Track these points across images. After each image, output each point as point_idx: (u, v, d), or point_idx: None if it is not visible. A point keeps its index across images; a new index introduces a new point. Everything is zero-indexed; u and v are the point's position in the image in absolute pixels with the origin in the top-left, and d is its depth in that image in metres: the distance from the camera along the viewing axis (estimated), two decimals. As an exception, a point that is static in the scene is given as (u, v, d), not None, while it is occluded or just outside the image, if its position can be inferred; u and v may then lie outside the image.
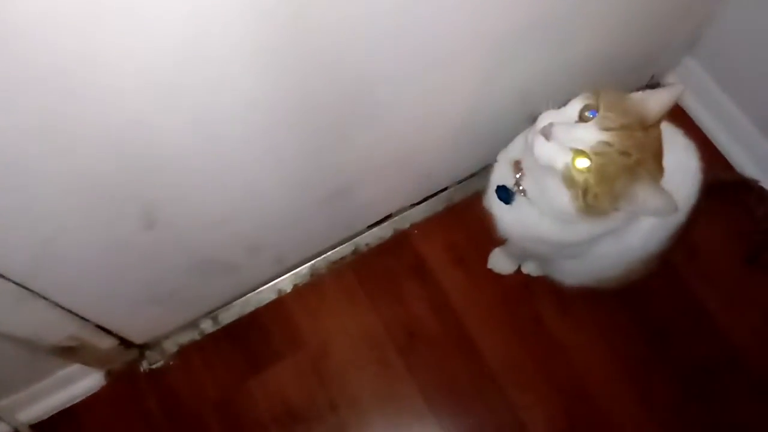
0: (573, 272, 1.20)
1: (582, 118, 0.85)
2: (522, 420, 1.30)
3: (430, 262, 1.42)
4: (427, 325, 1.37)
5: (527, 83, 1.14)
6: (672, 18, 1.29)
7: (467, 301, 1.39)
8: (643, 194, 0.84)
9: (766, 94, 1.35)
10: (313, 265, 1.38)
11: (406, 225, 1.43)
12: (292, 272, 1.37)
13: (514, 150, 1.05)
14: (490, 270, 1.40)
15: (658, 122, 0.86)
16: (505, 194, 1.01)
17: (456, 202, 1.45)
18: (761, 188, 1.41)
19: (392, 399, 1.32)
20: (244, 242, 1.15)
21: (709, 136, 1.50)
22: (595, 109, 0.85)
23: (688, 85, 1.51)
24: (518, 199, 1.00)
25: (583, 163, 0.83)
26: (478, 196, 1.41)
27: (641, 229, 1.00)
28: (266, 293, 1.36)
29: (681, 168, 0.97)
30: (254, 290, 1.35)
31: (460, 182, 1.45)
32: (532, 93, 1.13)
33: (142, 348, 1.29)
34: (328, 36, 0.75)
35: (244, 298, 1.35)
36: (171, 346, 1.31)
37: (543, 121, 0.87)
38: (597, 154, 0.82)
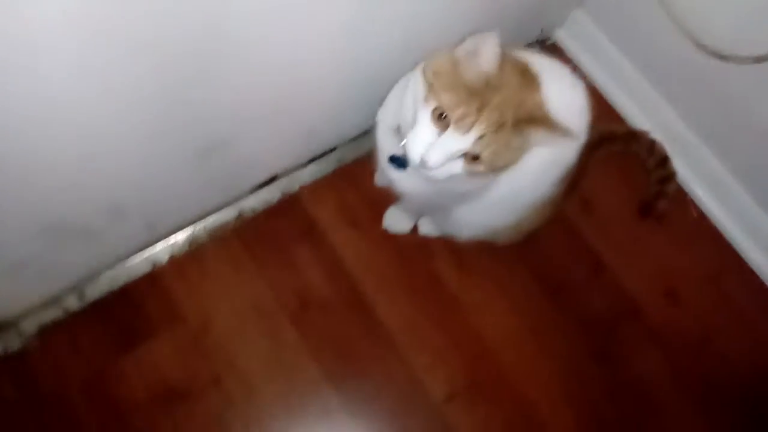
0: (470, 223, 1.15)
1: (439, 124, 0.83)
2: (421, 380, 1.24)
3: (321, 225, 1.34)
4: (321, 291, 1.29)
5: (410, 28, 1.08)
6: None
7: (362, 263, 1.32)
8: (537, 139, 0.85)
9: (651, 44, 1.35)
10: (192, 233, 1.27)
11: (295, 187, 1.34)
12: (168, 241, 1.26)
13: (390, 111, 1.01)
14: (385, 231, 1.34)
15: (500, 66, 0.82)
16: (400, 162, 0.97)
17: (347, 162, 1.38)
18: (651, 139, 1.41)
19: (284, 369, 1.23)
20: (103, 202, 1.02)
21: (600, 90, 1.50)
22: (442, 108, 0.82)
23: (578, 38, 1.50)
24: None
25: (475, 159, 0.84)
26: (370, 156, 1.35)
27: (532, 170, 0.96)
28: (139, 266, 1.24)
29: (569, 105, 0.94)
30: (124, 261, 1.23)
31: (350, 141, 1.37)
32: (415, 40, 1.07)
33: (-5, 329, 1.15)
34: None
35: (113, 271, 1.22)
36: (30, 326, 1.17)
37: (412, 155, 0.85)
38: (481, 147, 0.82)
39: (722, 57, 1.14)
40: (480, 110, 0.80)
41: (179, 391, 1.18)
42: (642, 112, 1.46)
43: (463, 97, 0.81)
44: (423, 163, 0.83)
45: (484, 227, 1.16)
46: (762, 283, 1.37)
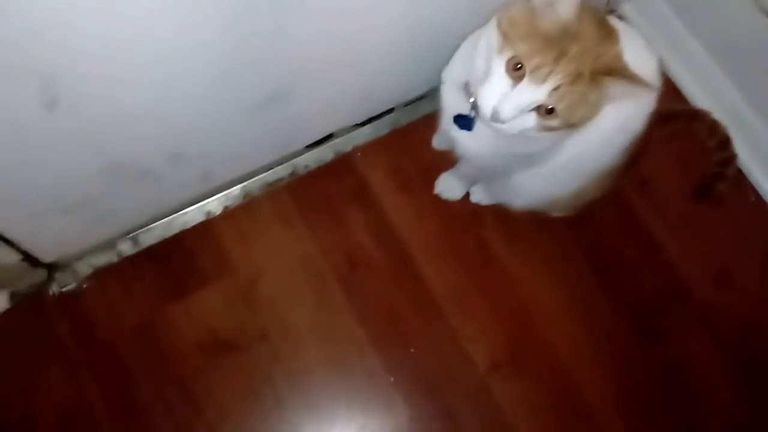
0: (529, 191, 1.13)
1: (513, 75, 0.80)
2: (465, 350, 1.24)
3: (373, 187, 1.33)
4: (370, 253, 1.29)
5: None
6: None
7: (412, 228, 1.31)
8: (615, 91, 0.81)
9: (720, 19, 1.31)
10: (245, 186, 1.27)
11: (349, 147, 1.33)
12: (223, 193, 1.26)
13: (457, 69, 0.99)
14: (436, 197, 1.33)
15: (579, 15, 0.79)
16: (466, 122, 0.94)
17: (402, 126, 1.36)
18: (713, 120, 1.37)
19: (330, 329, 1.23)
20: (165, 147, 1.03)
21: (664, 67, 1.45)
22: (518, 58, 0.79)
23: (645, 13, 1.46)
24: (479, 124, 0.93)
25: (549, 113, 0.80)
26: (426, 120, 1.35)
27: (599, 135, 0.94)
28: (193, 214, 1.25)
29: (643, 68, 0.91)
30: (179, 211, 1.23)
31: (406, 105, 1.36)
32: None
33: (51, 268, 1.16)
34: None
35: (167, 219, 1.23)
36: (85, 267, 1.19)
37: (484, 106, 0.82)
38: (554, 101, 0.79)
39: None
40: (557, 60, 0.77)
41: (226, 343, 1.19)
42: (706, 92, 1.42)
43: (539, 46, 0.78)
44: (495, 115, 0.81)
45: (543, 196, 1.14)
46: (820, 272, 1.34)
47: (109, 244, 1.20)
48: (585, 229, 1.32)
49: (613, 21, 0.88)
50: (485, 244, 1.32)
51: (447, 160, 1.27)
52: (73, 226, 1.09)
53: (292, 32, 0.92)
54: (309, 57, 1.01)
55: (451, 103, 0.98)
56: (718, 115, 1.37)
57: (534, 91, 0.79)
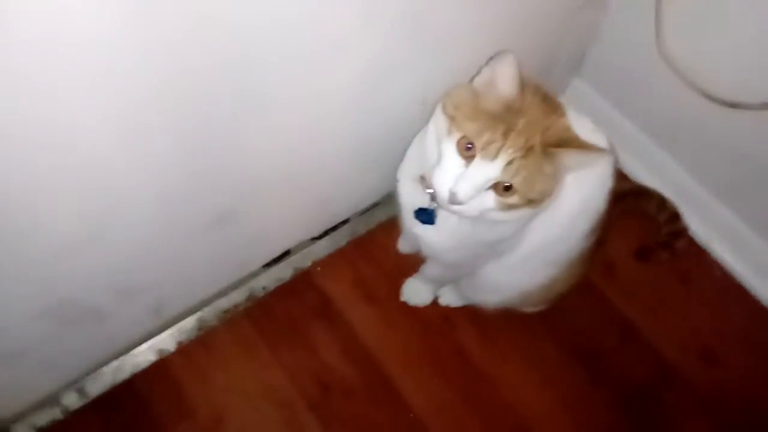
0: (500, 284, 1.09)
1: (465, 156, 0.79)
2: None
3: (337, 302, 1.26)
4: (341, 374, 1.20)
5: (427, 86, 1.06)
6: (553, 39, 1.30)
7: (383, 340, 1.24)
8: (569, 161, 0.81)
9: (654, 102, 1.37)
10: (200, 316, 1.19)
11: (308, 263, 1.28)
12: (176, 327, 1.17)
13: (411, 165, 0.98)
14: (404, 305, 1.27)
15: (521, 90, 0.80)
16: (427, 215, 0.93)
17: (360, 235, 1.33)
18: (661, 196, 1.39)
19: (307, 465, 1.11)
20: (110, 281, 0.95)
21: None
22: (468, 138, 0.79)
23: (579, 105, 1.50)
24: (442, 215, 0.91)
25: (507, 190, 0.79)
26: (384, 227, 1.32)
27: (563, 218, 0.93)
28: (144, 355, 1.14)
29: (593, 138, 0.92)
30: (129, 351, 1.13)
31: (362, 213, 1.33)
32: (432, 95, 1.05)
33: (-16, 435, 1.02)
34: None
35: (116, 362, 1.12)
36: (25, 430, 1.05)
37: (440, 189, 0.80)
38: (509, 177, 0.78)
39: (732, 105, 1.15)
40: (505, 135, 0.77)
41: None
42: (650, 173, 1.45)
43: (487, 124, 0.78)
44: (453, 197, 0.78)
45: (514, 289, 1.09)
46: (797, 337, 1.32)
47: (52, 399, 1.07)
48: (560, 322, 1.28)
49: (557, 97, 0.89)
50: (461, 349, 1.25)
51: (411, 265, 1.22)
52: (8, 381, 0.97)
53: (245, 144, 0.89)
54: (260, 169, 0.97)
55: (410, 198, 0.96)
56: (668, 193, 1.40)
57: (488, 168, 0.78)
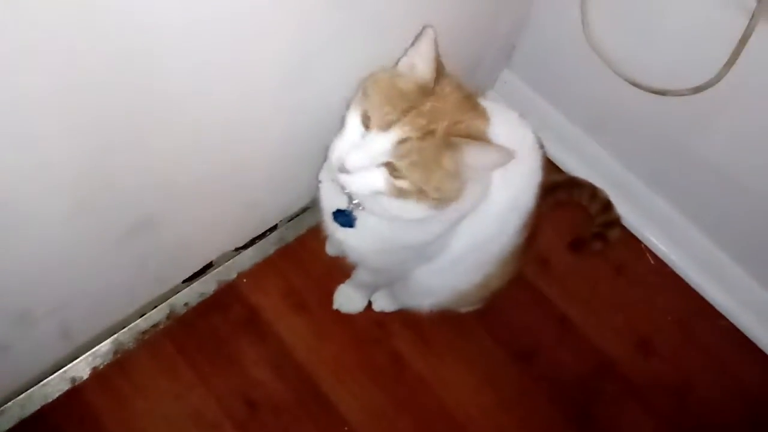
0: (433, 287, 1.06)
1: (368, 126, 0.77)
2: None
3: (265, 314, 1.20)
4: (271, 390, 1.15)
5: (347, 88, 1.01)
6: (482, 32, 1.26)
7: (315, 352, 1.19)
8: (472, 156, 0.77)
9: (584, 92, 1.35)
10: (116, 338, 1.11)
11: (233, 275, 1.21)
12: (90, 352, 1.09)
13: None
14: (336, 313, 1.23)
15: (439, 76, 0.78)
16: (346, 218, 0.89)
17: (289, 242, 1.27)
18: (593, 186, 1.38)
19: (236, 488, 1.05)
20: (9, 305, 0.86)
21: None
22: (370, 111, 0.77)
23: (509, 97, 1.49)
24: (361, 217, 0.88)
25: (398, 172, 0.76)
26: (314, 232, 1.26)
27: (493, 217, 0.91)
28: (55, 383, 1.06)
29: (520, 143, 0.89)
30: (39, 382, 1.04)
31: (291, 219, 1.27)
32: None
33: None
34: None
35: (25, 395, 1.03)
36: None
37: (333, 157, 0.79)
38: (401, 156, 0.75)
39: (660, 92, 1.14)
40: (405, 112, 0.75)
41: None
42: (581, 163, 1.44)
43: (393, 100, 0.76)
44: (342, 167, 0.76)
45: (448, 290, 1.06)
46: (731, 324, 1.33)
47: (-50, 441, 0.98)
48: (496, 320, 1.26)
49: (486, 102, 0.86)
50: (397, 355, 1.21)
51: (343, 270, 1.17)
52: None
53: (156, 144, 0.81)
54: (178, 173, 0.90)
55: (329, 200, 0.93)
56: (599, 183, 1.39)
57: (380, 139, 0.75)
